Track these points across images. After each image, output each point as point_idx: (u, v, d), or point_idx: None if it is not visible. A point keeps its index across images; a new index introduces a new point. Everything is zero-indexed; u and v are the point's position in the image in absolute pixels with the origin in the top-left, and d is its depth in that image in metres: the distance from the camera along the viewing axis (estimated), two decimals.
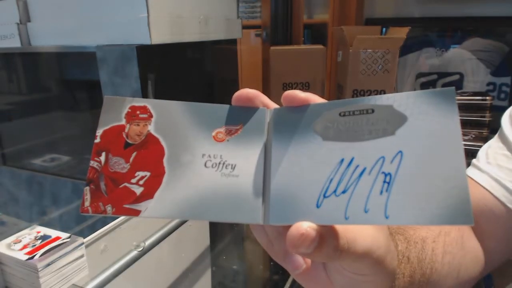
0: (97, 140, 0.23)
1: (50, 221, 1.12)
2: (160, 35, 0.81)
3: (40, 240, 0.57)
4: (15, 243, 0.56)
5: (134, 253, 0.66)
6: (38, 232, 0.59)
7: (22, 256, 0.53)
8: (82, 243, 0.58)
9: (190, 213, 0.21)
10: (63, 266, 0.55)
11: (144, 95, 0.81)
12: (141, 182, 0.22)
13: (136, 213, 0.21)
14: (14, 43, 0.95)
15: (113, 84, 0.83)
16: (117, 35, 0.82)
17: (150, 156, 0.23)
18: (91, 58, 0.85)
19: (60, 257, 0.54)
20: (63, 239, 0.57)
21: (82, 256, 0.58)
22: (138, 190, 0.22)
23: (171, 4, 0.84)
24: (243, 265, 0.93)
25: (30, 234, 0.58)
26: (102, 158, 0.23)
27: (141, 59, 0.79)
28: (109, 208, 0.22)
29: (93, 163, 0.22)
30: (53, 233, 0.59)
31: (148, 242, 0.69)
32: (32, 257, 0.53)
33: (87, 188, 0.22)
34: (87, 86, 1.04)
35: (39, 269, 0.52)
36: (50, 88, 1.15)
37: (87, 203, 0.22)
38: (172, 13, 0.85)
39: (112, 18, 0.82)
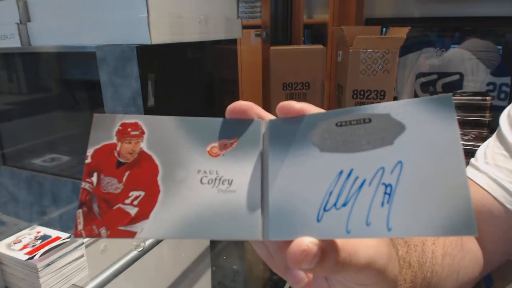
0: (88, 160, 0.22)
1: (50, 221, 1.12)
2: (160, 35, 0.81)
3: (40, 240, 0.57)
4: (15, 243, 0.56)
5: (134, 253, 0.66)
6: (38, 232, 0.59)
7: (22, 256, 0.53)
8: (82, 243, 0.58)
9: (187, 232, 0.21)
10: (63, 266, 0.55)
11: (144, 95, 0.81)
12: (135, 202, 0.21)
13: (132, 234, 0.21)
14: (14, 43, 0.95)
15: (113, 84, 0.83)
16: (117, 35, 0.82)
17: (143, 174, 0.22)
18: (91, 58, 0.85)
19: (60, 257, 0.54)
20: (63, 239, 0.57)
21: (82, 256, 0.58)
22: (133, 211, 0.21)
23: (171, 4, 0.84)
24: (243, 265, 0.93)
25: (30, 234, 0.58)
26: (94, 178, 0.22)
27: (141, 59, 0.79)
28: (103, 231, 0.21)
29: (84, 185, 0.22)
30: (53, 233, 0.59)
31: (148, 242, 0.69)
32: (32, 257, 0.53)
33: (80, 211, 0.21)
34: (87, 86, 1.04)
35: (39, 269, 0.52)
36: (50, 88, 1.15)
37: (80, 227, 0.21)
38: (172, 13, 0.85)
39: (112, 18, 0.82)
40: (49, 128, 1.18)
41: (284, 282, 0.73)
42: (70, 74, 1.08)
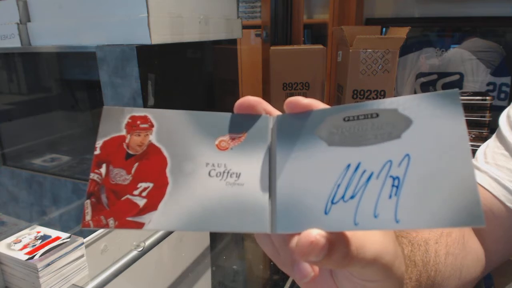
0: (97, 152, 0.22)
1: (50, 221, 1.12)
2: (160, 35, 0.81)
3: (40, 240, 0.57)
4: (15, 243, 0.56)
5: (134, 253, 0.66)
6: (38, 232, 0.59)
7: (22, 256, 0.53)
8: (82, 243, 0.58)
9: (195, 224, 0.21)
10: (63, 266, 0.55)
11: (144, 95, 0.81)
12: (144, 194, 0.21)
13: (140, 225, 0.21)
14: (14, 43, 0.95)
15: (113, 84, 0.83)
16: (117, 35, 0.82)
17: (152, 166, 0.22)
18: (91, 58, 0.85)
19: (60, 257, 0.54)
20: (63, 239, 0.57)
21: (82, 256, 0.58)
22: (141, 202, 0.21)
23: (171, 4, 0.84)
24: (243, 265, 0.93)
25: (30, 234, 0.58)
26: (103, 170, 0.22)
27: (141, 59, 0.79)
28: (111, 222, 0.21)
29: (93, 176, 0.22)
30: (53, 233, 0.59)
31: (148, 242, 0.69)
32: (32, 257, 0.53)
33: (88, 201, 0.21)
34: (87, 86, 1.04)
35: (39, 269, 0.52)
36: (50, 88, 1.15)
37: (88, 217, 0.21)
38: (172, 13, 0.85)
39: (112, 18, 0.82)
40: (49, 128, 1.18)
41: (284, 282, 0.73)
42: (70, 74, 1.08)
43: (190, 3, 0.91)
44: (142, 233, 0.70)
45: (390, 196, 0.19)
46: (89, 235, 0.62)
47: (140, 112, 0.23)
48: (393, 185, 0.19)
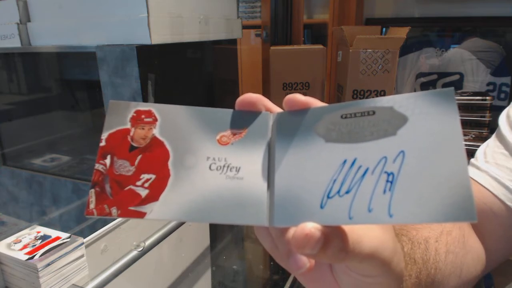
0: (102, 143, 0.23)
1: (50, 221, 1.12)
2: (160, 35, 0.81)
3: (40, 240, 0.57)
4: (15, 243, 0.56)
5: (134, 253, 0.66)
6: (38, 232, 0.59)
7: (22, 256, 0.53)
8: (82, 243, 0.58)
9: (195, 215, 0.21)
10: (63, 266, 0.55)
11: (144, 95, 0.81)
12: (146, 185, 0.22)
13: (141, 215, 0.21)
14: (14, 43, 0.95)
15: (113, 84, 0.83)
16: (117, 35, 0.82)
17: (155, 159, 0.23)
18: (91, 58, 0.85)
19: (60, 257, 0.54)
20: (63, 239, 0.57)
21: (82, 256, 0.58)
22: (143, 193, 0.22)
23: (171, 4, 0.84)
24: (243, 265, 0.93)
25: (30, 234, 0.58)
26: (107, 161, 0.23)
27: (141, 59, 0.79)
28: (114, 211, 0.22)
29: (98, 166, 0.22)
30: (53, 233, 0.59)
31: (148, 242, 0.69)
32: (32, 257, 0.53)
33: (92, 190, 0.22)
34: (87, 86, 1.04)
35: (39, 269, 0.52)
36: (50, 88, 1.15)
37: (92, 206, 0.22)
38: (172, 13, 0.85)
39: (112, 18, 0.82)
40: (49, 128, 1.18)
41: (284, 282, 0.73)
42: (70, 74, 1.09)
43: (190, 3, 0.91)
44: (142, 233, 0.70)
45: (385, 191, 0.19)
46: (89, 235, 0.62)
47: (144, 106, 0.24)
48: (387, 181, 0.19)
